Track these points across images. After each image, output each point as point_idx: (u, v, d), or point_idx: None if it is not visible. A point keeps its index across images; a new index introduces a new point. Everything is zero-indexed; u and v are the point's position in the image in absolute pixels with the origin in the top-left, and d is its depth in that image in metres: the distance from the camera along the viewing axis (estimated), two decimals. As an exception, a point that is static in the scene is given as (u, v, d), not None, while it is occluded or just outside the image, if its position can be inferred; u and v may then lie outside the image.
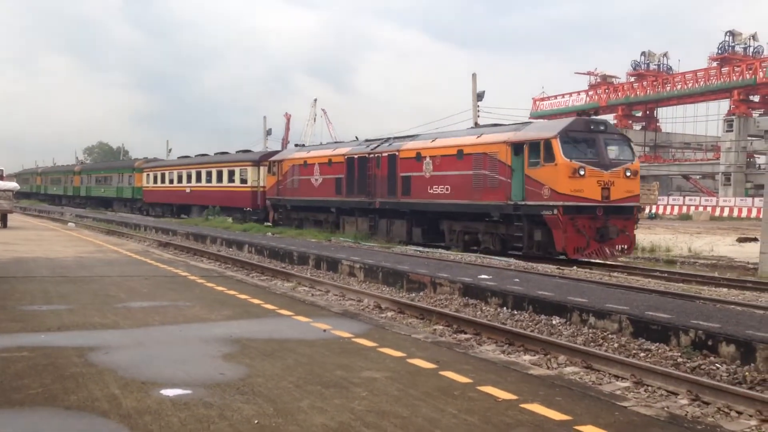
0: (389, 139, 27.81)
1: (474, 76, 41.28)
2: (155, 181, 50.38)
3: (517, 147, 20.79)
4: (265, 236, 28.06)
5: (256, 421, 4.60)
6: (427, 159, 24.18)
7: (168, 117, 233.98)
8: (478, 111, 41.21)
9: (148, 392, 5.22)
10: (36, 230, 26.28)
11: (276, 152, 39.91)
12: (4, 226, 25.35)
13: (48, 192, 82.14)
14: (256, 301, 10.02)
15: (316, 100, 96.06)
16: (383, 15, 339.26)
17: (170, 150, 77.33)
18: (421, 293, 14.17)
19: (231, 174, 40.37)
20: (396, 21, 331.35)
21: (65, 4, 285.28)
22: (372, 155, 26.94)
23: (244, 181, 38.72)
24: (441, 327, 10.94)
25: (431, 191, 23.94)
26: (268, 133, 65.81)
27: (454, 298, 13.24)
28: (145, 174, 51.75)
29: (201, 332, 7.64)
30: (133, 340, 7.11)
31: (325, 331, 7.86)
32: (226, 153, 45.66)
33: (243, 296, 10.47)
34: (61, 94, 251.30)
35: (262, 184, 36.65)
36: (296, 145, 37.46)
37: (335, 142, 36.98)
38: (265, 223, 34.28)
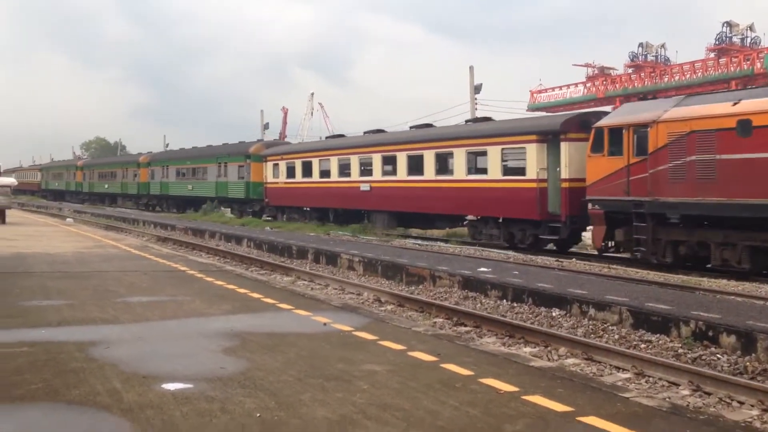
0: None
1: (471, 68, 41.23)
2: (288, 175, 33.60)
3: None
4: (263, 230, 28.05)
5: (258, 415, 4.59)
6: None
7: (164, 111, 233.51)
8: (476, 103, 41.18)
9: (149, 386, 5.21)
10: (35, 226, 26.24)
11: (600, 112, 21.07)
12: (3, 222, 25.30)
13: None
14: (255, 295, 10.01)
15: (313, 93, 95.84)
16: (380, 8, 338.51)
17: (167, 144, 77.06)
18: (421, 286, 14.17)
19: (474, 159, 22.93)
20: (393, 13, 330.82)
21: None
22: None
23: (516, 171, 20.98)
24: (441, 320, 10.94)
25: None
26: (266, 126, 65.60)
27: (453, 290, 13.24)
28: (269, 164, 35.15)
29: (201, 327, 7.63)
30: (134, 335, 7.10)
31: (325, 324, 7.85)
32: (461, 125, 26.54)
33: (242, 290, 10.46)
34: (58, 89, 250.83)
35: (543, 176, 19.76)
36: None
37: None
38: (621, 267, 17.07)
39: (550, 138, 19.93)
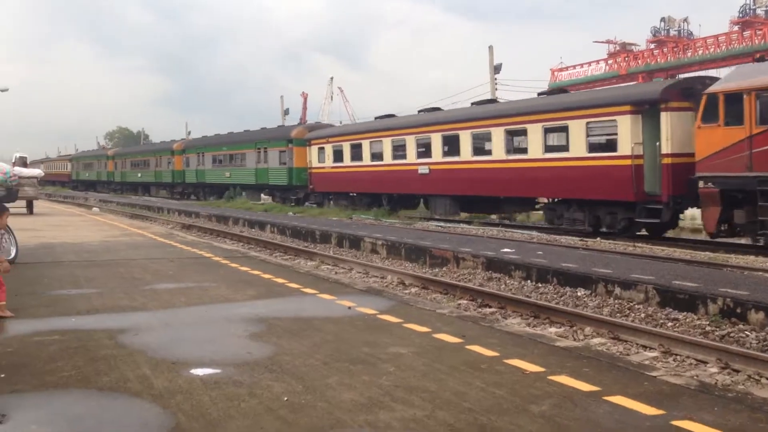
0: None
1: (491, 48, 40.89)
2: (336, 159, 31.87)
3: None
4: (286, 216, 28.18)
5: (285, 398, 4.64)
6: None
7: (185, 100, 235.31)
8: (496, 84, 40.87)
9: (178, 372, 5.28)
10: (61, 216, 26.59)
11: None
12: (30, 212, 25.66)
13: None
14: (280, 280, 10.08)
15: (332, 78, 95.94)
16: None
17: (189, 132, 77.47)
18: (444, 268, 14.17)
19: (552, 135, 20.85)
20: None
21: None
22: None
23: (605, 147, 19.13)
24: (465, 301, 10.95)
25: None
26: (286, 112, 65.71)
27: (477, 272, 13.23)
28: (313, 148, 33.58)
29: (227, 312, 7.70)
30: (161, 322, 7.19)
31: (350, 308, 7.89)
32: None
33: (267, 276, 10.53)
34: (81, 80, 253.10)
35: (639, 151, 17.86)
36: None
37: None
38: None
39: (647, 108, 17.90)
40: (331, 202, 32.98)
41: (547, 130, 20.77)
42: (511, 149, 22.32)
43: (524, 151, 21.62)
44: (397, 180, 27.59)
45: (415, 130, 26.89)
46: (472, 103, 26.77)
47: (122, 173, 63.13)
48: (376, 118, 31.69)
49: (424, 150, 26.19)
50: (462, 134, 24.14)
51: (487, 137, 23.22)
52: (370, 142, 29.66)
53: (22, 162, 36.16)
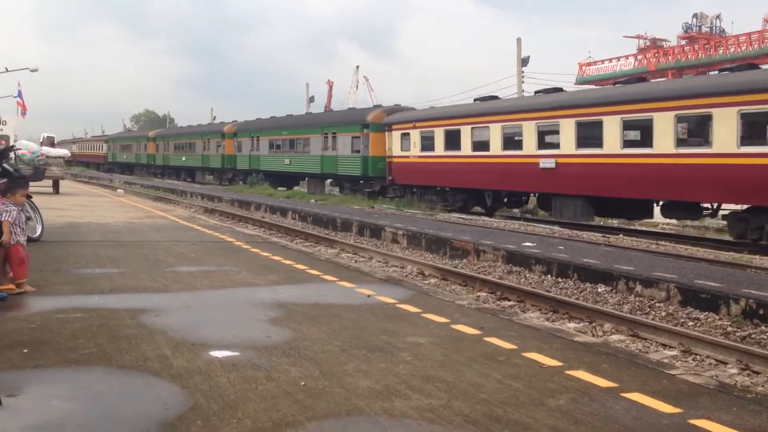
0: None
1: (519, 41, 40.64)
2: (424, 147, 27.78)
3: None
4: (308, 203, 28.27)
5: (302, 383, 4.68)
6: None
7: (211, 84, 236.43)
8: (523, 76, 40.61)
9: (197, 353, 5.34)
10: (87, 196, 26.91)
11: None
12: (57, 192, 26.00)
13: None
14: (300, 266, 10.13)
15: (358, 66, 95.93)
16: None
17: (215, 117, 77.82)
18: (465, 260, 14.16)
19: (755, 123, 16.48)
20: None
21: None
22: None
23: None
24: (484, 294, 10.94)
25: None
26: (311, 100, 65.87)
27: (497, 265, 13.20)
28: (395, 134, 29.41)
29: (247, 296, 7.76)
30: (182, 303, 7.26)
31: (369, 296, 7.92)
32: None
33: (288, 262, 10.59)
34: (108, 62, 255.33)
35: None
36: None
37: None
38: None
39: None
40: (415, 196, 28.82)
41: (747, 116, 16.25)
42: (685, 141, 17.95)
43: (708, 143, 17.09)
44: (508, 174, 23.23)
45: (535, 114, 22.24)
46: (615, 83, 23.23)
47: (164, 156, 58.69)
48: (475, 99, 27.34)
49: (548, 139, 21.99)
50: (606, 120, 19.55)
51: (646, 126, 18.71)
52: (471, 128, 24.94)
53: (50, 142, 36.53)
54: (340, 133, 33.22)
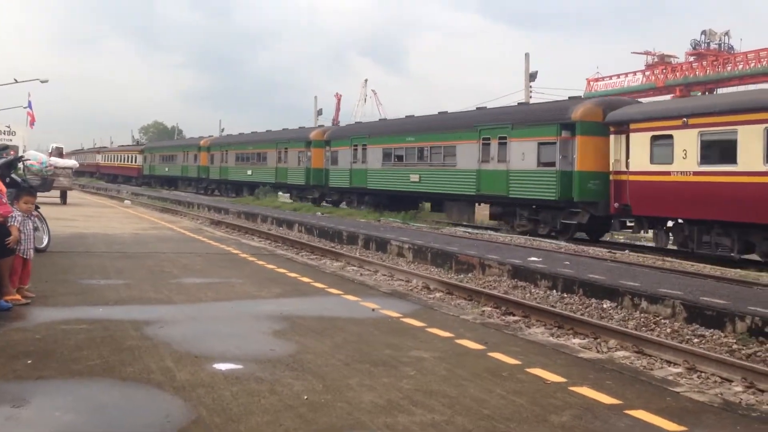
0: None
1: (527, 56, 40.70)
2: (704, 158, 17.19)
3: None
4: (314, 216, 28.30)
5: (305, 397, 4.67)
6: None
7: (220, 97, 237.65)
8: (531, 91, 40.68)
9: (201, 366, 5.34)
10: (94, 207, 27.01)
11: None
12: (64, 202, 26.09)
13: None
14: (305, 279, 10.13)
15: (366, 80, 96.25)
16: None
17: (222, 130, 78.08)
18: (470, 274, 14.14)
19: None
20: (451, 0, 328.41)
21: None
22: None
23: None
24: (489, 308, 10.92)
25: None
26: (319, 113, 66.00)
27: (503, 279, 13.18)
28: (634, 137, 19.06)
29: (252, 309, 7.77)
30: (187, 316, 7.27)
31: (373, 310, 7.91)
32: None
33: (293, 275, 10.60)
34: (119, 74, 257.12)
35: None
36: None
37: None
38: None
39: None
40: (691, 240, 17.81)
41: None
42: None
43: None
44: None
45: None
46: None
47: (223, 169, 48.41)
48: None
49: None
50: None
51: None
52: None
53: (58, 152, 36.66)
54: (516, 138, 23.58)
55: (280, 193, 42.29)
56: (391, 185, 30.17)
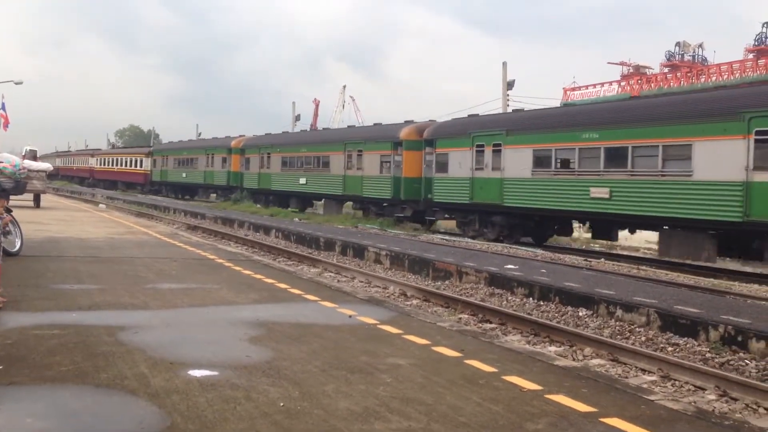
0: None
1: (504, 64, 40.95)
2: None
3: None
4: (291, 222, 28.20)
5: (281, 404, 4.64)
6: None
7: (197, 101, 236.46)
8: (508, 100, 40.93)
9: (176, 372, 5.29)
10: (68, 211, 26.68)
11: None
12: (37, 206, 25.76)
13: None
14: (282, 285, 10.09)
15: (345, 86, 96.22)
16: (416, 1, 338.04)
17: (200, 134, 77.55)
18: (447, 282, 14.16)
19: None
20: (429, 7, 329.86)
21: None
22: None
23: None
24: (466, 316, 10.93)
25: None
26: (297, 118, 65.90)
27: (480, 287, 13.21)
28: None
29: (228, 315, 7.71)
30: (162, 321, 7.20)
31: (350, 317, 7.89)
32: None
33: (270, 280, 10.54)
34: (94, 76, 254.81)
35: None
36: None
37: None
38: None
39: None
40: None
41: None
42: None
43: None
44: None
45: None
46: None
47: (262, 176, 39.53)
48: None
49: None
50: None
51: None
52: None
53: (32, 155, 36.22)
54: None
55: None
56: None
